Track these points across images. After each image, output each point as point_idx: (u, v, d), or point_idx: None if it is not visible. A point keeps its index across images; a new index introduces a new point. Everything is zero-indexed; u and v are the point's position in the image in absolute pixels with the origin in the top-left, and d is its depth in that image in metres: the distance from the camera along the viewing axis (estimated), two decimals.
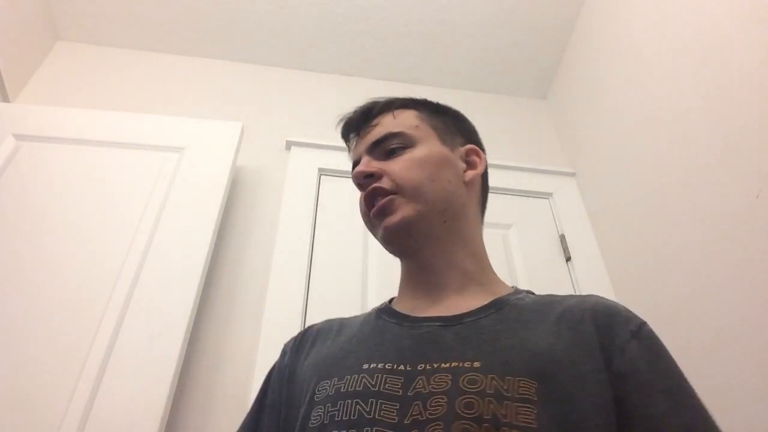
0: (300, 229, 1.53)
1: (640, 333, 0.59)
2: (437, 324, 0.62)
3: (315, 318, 1.37)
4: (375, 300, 1.42)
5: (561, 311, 0.61)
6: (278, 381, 0.71)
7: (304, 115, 1.89)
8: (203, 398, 1.25)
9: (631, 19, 1.62)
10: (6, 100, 1.65)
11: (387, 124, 0.73)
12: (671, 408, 0.54)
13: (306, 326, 0.80)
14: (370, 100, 0.78)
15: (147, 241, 1.31)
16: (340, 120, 0.79)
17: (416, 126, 0.73)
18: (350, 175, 0.76)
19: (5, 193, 1.36)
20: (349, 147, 0.80)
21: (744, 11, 1.18)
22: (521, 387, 0.51)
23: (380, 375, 0.57)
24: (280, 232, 1.51)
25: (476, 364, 0.54)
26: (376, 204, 0.68)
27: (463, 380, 0.52)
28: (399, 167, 0.69)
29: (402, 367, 0.57)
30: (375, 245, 1.55)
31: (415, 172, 0.68)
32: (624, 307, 0.63)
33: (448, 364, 0.55)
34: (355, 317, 0.75)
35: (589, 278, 1.57)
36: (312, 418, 0.57)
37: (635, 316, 0.62)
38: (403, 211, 0.66)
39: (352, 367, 0.60)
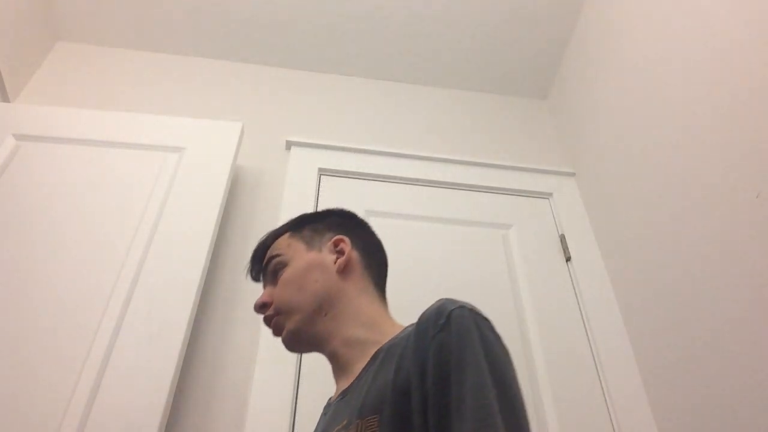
0: None
1: (447, 323, 0.59)
2: (339, 399, 0.73)
3: None
4: None
5: (407, 336, 0.65)
6: None
7: (304, 115, 1.89)
8: (203, 398, 1.25)
9: (631, 19, 1.62)
10: (6, 100, 1.65)
11: (272, 252, 0.86)
12: (452, 405, 0.53)
13: None
14: (257, 245, 0.91)
15: (147, 241, 1.31)
16: (246, 270, 0.92)
17: (288, 244, 0.85)
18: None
19: (5, 193, 1.36)
20: (259, 281, 0.91)
21: (744, 11, 1.18)
22: (368, 424, 0.57)
23: None
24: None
25: (344, 422, 0.63)
26: (271, 325, 0.81)
27: None
28: (278, 291, 0.81)
29: None
30: None
31: (285, 291, 0.80)
32: (442, 303, 0.64)
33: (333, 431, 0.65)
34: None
35: (589, 278, 1.57)
36: None
37: (448, 307, 0.62)
38: (288, 326, 0.79)
39: None
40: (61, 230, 1.31)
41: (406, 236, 1.58)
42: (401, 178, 1.72)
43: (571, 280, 1.58)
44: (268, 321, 0.82)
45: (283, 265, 0.83)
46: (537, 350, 1.41)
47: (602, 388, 1.38)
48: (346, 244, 0.85)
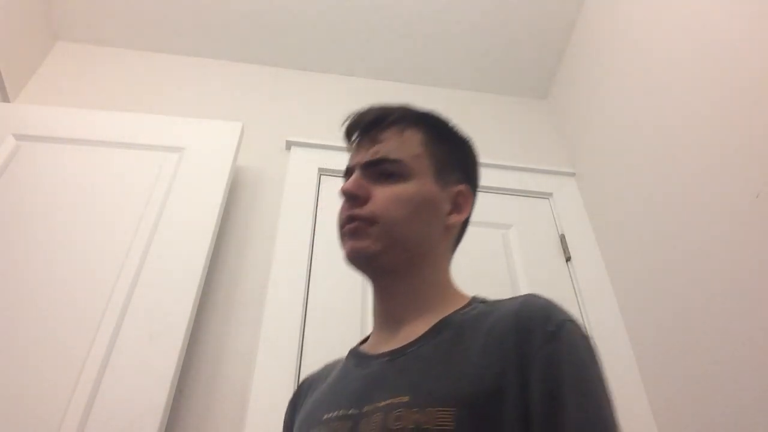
0: (300, 229, 1.53)
1: (558, 334, 0.56)
2: (385, 359, 0.64)
3: (315, 317, 1.38)
4: None
5: (492, 323, 0.60)
6: None
7: (304, 115, 1.89)
8: (203, 398, 1.25)
9: (631, 19, 1.62)
10: (6, 100, 1.65)
11: (390, 144, 0.72)
12: (574, 423, 0.50)
13: (301, 379, 0.85)
14: (381, 107, 0.75)
15: (147, 241, 1.31)
16: (348, 118, 0.76)
17: (417, 155, 0.71)
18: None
19: (5, 193, 1.36)
20: (348, 145, 0.78)
21: (746, 11, 1.18)
22: (439, 417, 0.51)
23: (334, 423, 0.60)
24: (280, 232, 1.51)
25: (405, 399, 0.55)
26: (350, 224, 0.69)
27: (391, 418, 0.54)
28: (383, 198, 0.68)
29: (351, 411, 0.59)
30: None
31: (396, 209, 0.68)
32: (548, 305, 0.60)
33: (384, 402, 0.56)
34: (342, 359, 0.78)
35: (589, 278, 1.57)
36: None
37: (557, 315, 0.59)
38: (371, 242, 0.67)
39: (317, 418, 0.63)
40: (61, 230, 1.31)
41: None
42: None
43: (571, 280, 1.58)
44: (349, 218, 0.69)
45: (403, 176, 0.70)
46: None
47: None
48: (468, 206, 0.76)
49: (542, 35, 1.98)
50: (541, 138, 2.01)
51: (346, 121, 0.75)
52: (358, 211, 0.68)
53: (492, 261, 1.58)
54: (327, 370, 0.77)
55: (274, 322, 1.35)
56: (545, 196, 1.78)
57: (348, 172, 0.75)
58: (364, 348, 0.72)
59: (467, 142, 0.81)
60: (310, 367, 1.31)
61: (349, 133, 0.76)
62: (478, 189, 0.80)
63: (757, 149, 1.10)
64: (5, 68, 1.64)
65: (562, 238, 1.67)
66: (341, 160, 1.71)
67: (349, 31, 1.96)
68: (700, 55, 1.30)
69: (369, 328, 1.43)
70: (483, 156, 1.99)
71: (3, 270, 1.24)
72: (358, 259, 0.69)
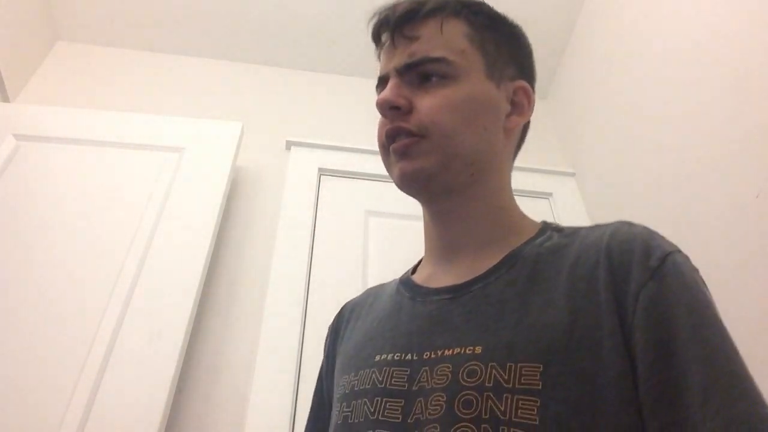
0: (300, 229, 1.53)
1: (662, 269, 0.47)
2: (447, 297, 0.56)
3: (314, 317, 1.38)
4: None
5: (575, 257, 0.52)
6: (325, 370, 0.71)
7: (304, 115, 1.89)
8: (203, 398, 1.25)
9: (631, 19, 1.62)
10: (6, 100, 1.65)
11: (429, 41, 0.60)
12: (695, 373, 0.41)
13: (343, 304, 0.75)
14: None
15: (147, 241, 1.31)
16: (374, 15, 0.65)
17: (463, 50, 0.60)
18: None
19: (5, 193, 1.36)
20: (378, 48, 0.67)
21: (746, 11, 1.18)
22: (523, 375, 0.44)
23: (388, 368, 0.53)
24: (280, 232, 1.51)
25: (477, 350, 0.47)
26: (398, 141, 0.58)
27: (463, 372, 0.46)
28: (431, 105, 0.57)
29: (409, 356, 0.52)
30: (375, 245, 1.56)
31: (448, 116, 0.57)
32: (646, 234, 0.53)
33: (450, 351, 0.49)
34: (390, 284, 0.69)
35: None
36: (334, 416, 0.56)
37: (659, 246, 0.50)
38: (425, 160, 0.57)
39: (367, 359, 0.56)
40: (61, 230, 1.31)
41: (406, 236, 1.57)
42: None
43: None
44: (394, 133, 0.59)
45: (450, 76, 0.59)
46: None
47: None
48: (530, 104, 0.66)
49: (542, 35, 1.98)
50: (541, 138, 2.01)
51: (372, 18, 0.65)
52: (403, 124, 0.58)
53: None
54: (371, 295, 0.70)
55: (274, 322, 1.35)
56: (545, 196, 1.78)
57: (382, 82, 0.63)
58: (419, 279, 0.63)
59: (519, 30, 0.71)
60: (311, 367, 1.31)
61: (377, 34, 0.65)
62: (535, 86, 0.69)
63: (757, 149, 1.10)
64: (5, 68, 1.64)
65: None
66: (341, 160, 1.73)
67: (349, 31, 1.96)
68: (700, 54, 1.30)
69: None
70: None
71: (3, 270, 1.24)
72: (414, 182, 0.59)
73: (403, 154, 0.58)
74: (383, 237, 1.58)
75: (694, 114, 1.30)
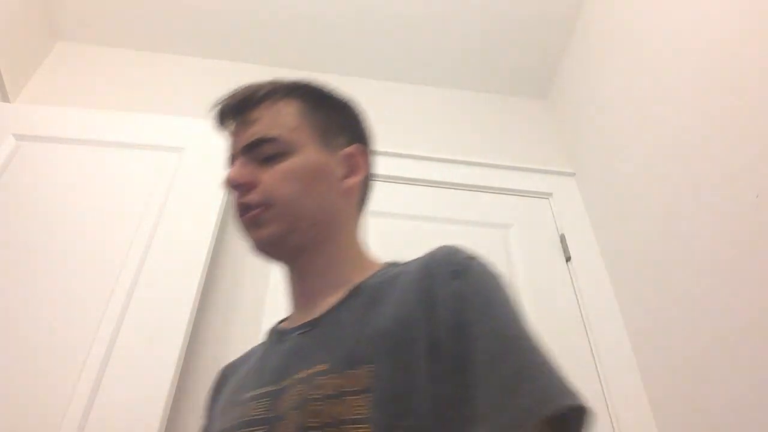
0: None
1: (464, 272, 0.56)
2: (302, 332, 0.63)
3: None
4: None
5: (403, 278, 0.60)
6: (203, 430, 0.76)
7: None
8: (203, 398, 1.24)
9: (631, 19, 1.62)
10: (6, 100, 1.65)
11: (265, 123, 0.68)
12: (489, 355, 0.49)
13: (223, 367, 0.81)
14: (249, 86, 0.71)
15: (147, 241, 1.31)
16: (215, 104, 0.72)
17: (296, 128, 0.68)
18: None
19: (5, 193, 1.36)
20: (224, 132, 0.74)
21: (746, 11, 1.18)
22: (359, 377, 0.50)
23: (254, 402, 0.58)
24: None
25: (323, 367, 0.54)
26: (247, 214, 0.66)
27: (312, 388, 0.52)
28: (272, 179, 0.65)
29: (270, 387, 0.58)
30: (375, 245, 1.56)
31: (288, 187, 0.65)
32: (453, 249, 0.60)
33: (303, 374, 0.55)
34: (262, 342, 0.76)
35: (589, 278, 1.57)
36: None
37: (463, 254, 0.59)
38: (273, 227, 0.65)
39: (238, 400, 0.62)
40: (61, 230, 1.31)
41: (406, 236, 1.58)
42: (401, 178, 1.72)
43: (571, 280, 1.58)
44: (244, 208, 0.66)
45: (287, 153, 0.67)
46: None
47: (602, 388, 1.38)
48: (365, 164, 0.73)
49: (542, 35, 1.98)
50: (541, 138, 2.01)
51: (215, 106, 0.72)
52: (249, 199, 0.65)
53: (492, 261, 1.58)
54: (248, 355, 0.76)
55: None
56: (545, 196, 1.78)
57: (231, 160, 0.71)
58: (283, 325, 0.70)
59: (347, 102, 0.78)
60: None
61: (222, 120, 0.72)
62: (372, 147, 0.78)
63: (757, 149, 1.10)
64: (5, 68, 1.64)
65: (562, 238, 1.67)
66: None
67: (349, 31, 1.96)
68: (700, 54, 1.30)
69: None
70: (483, 156, 1.99)
71: (3, 270, 1.24)
72: (268, 247, 0.67)
73: (254, 224, 0.66)
74: (383, 237, 1.58)
75: (694, 113, 1.30)
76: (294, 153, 0.67)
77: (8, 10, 1.67)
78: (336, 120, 0.74)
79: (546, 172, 1.83)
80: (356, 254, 0.71)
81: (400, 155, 1.77)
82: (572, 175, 1.85)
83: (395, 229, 1.59)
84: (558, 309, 1.51)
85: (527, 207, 1.74)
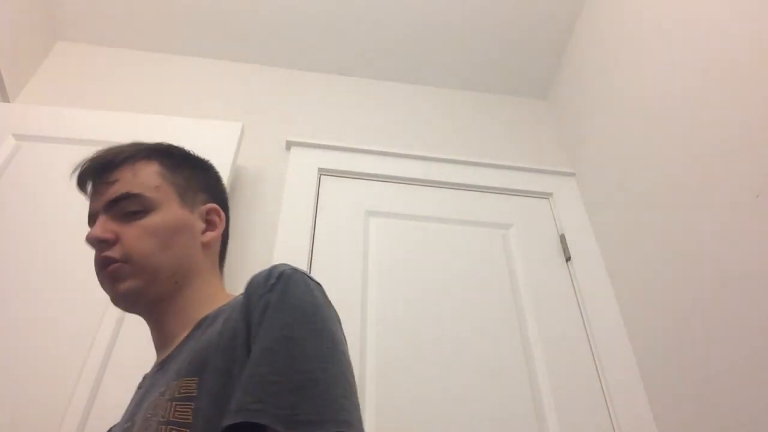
0: (300, 229, 1.53)
1: (276, 284, 0.59)
2: (154, 371, 0.68)
3: None
4: (375, 300, 1.42)
5: (237, 300, 0.63)
6: None
7: (304, 115, 1.89)
8: None
9: (631, 19, 1.62)
10: (6, 100, 1.65)
11: (127, 182, 0.72)
12: (255, 357, 0.53)
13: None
14: (110, 149, 0.75)
15: None
16: (77, 167, 0.75)
17: (157, 186, 0.73)
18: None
19: (5, 193, 1.36)
20: (85, 193, 0.77)
21: (743, 11, 1.18)
22: (183, 387, 0.54)
23: None
24: (280, 232, 1.51)
25: (161, 389, 0.58)
26: (105, 269, 0.69)
27: (148, 411, 0.57)
28: (132, 236, 0.69)
29: (125, 426, 0.63)
30: (375, 245, 1.56)
31: (147, 243, 0.69)
32: (272, 267, 0.63)
33: (147, 403, 0.59)
34: None
35: (589, 278, 1.57)
36: None
37: (278, 269, 0.61)
38: (131, 282, 0.68)
39: None
40: (62, 230, 1.31)
41: (406, 236, 1.58)
42: (401, 178, 1.72)
43: (571, 280, 1.58)
44: (105, 263, 0.69)
45: (148, 209, 0.71)
46: (537, 350, 1.41)
47: (602, 387, 1.38)
48: (221, 221, 0.79)
49: (542, 35, 1.99)
50: (541, 138, 2.01)
51: (75, 170, 0.74)
52: (110, 254, 0.68)
53: (492, 261, 1.58)
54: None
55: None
56: (545, 196, 1.78)
57: (91, 219, 0.74)
58: (147, 374, 0.75)
59: (205, 164, 0.84)
60: None
61: (82, 181, 0.75)
62: (226, 205, 0.84)
63: (757, 149, 1.10)
64: (5, 68, 1.64)
65: (562, 238, 1.67)
66: (341, 160, 1.73)
67: (349, 31, 1.96)
68: (700, 55, 1.30)
69: (370, 325, 1.44)
70: (483, 156, 2.00)
71: (3, 270, 1.24)
72: (126, 300, 0.70)
73: (113, 278, 0.69)
74: (383, 237, 1.58)
75: (694, 114, 1.30)
76: (155, 210, 0.71)
77: (8, 10, 1.67)
78: (196, 180, 0.79)
79: (546, 172, 1.83)
80: (211, 296, 0.74)
81: (400, 155, 1.77)
82: (572, 175, 1.85)
83: (395, 229, 1.59)
84: (558, 309, 1.51)
85: (527, 207, 1.74)
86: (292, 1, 1.89)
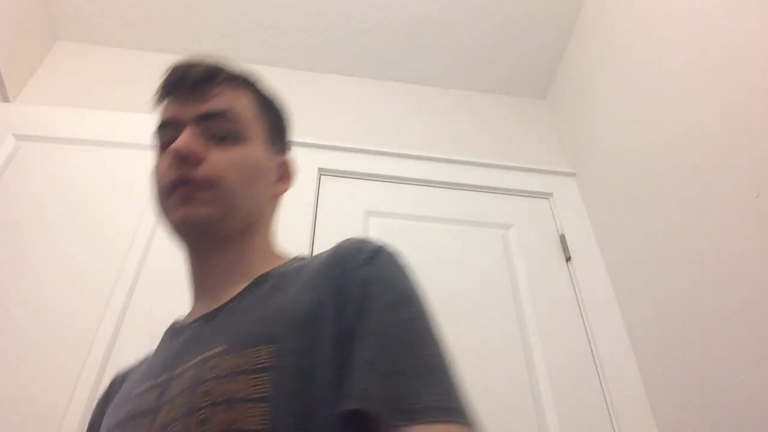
0: (300, 229, 1.53)
1: (373, 258, 0.55)
2: (200, 323, 0.60)
3: None
4: None
5: (315, 265, 0.59)
6: None
7: (304, 115, 1.88)
8: None
9: (631, 19, 1.62)
10: (6, 100, 1.65)
11: (227, 100, 0.66)
12: (374, 343, 0.49)
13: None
14: (208, 60, 0.69)
15: (147, 241, 1.31)
16: (170, 69, 0.67)
17: (252, 117, 0.68)
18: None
19: (5, 193, 1.36)
20: (163, 95, 0.68)
21: (745, 11, 1.18)
22: (258, 356, 0.48)
23: (141, 396, 0.55)
24: (279, 232, 1.51)
25: (219, 349, 0.51)
26: (182, 187, 0.60)
27: (204, 370, 0.50)
28: (223, 161, 0.62)
29: (161, 378, 0.55)
30: None
31: (235, 173, 0.63)
32: (362, 239, 0.60)
33: (196, 359, 0.52)
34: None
35: (589, 278, 1.57)
36: None
37: (371, 243, 0.58)
38: (206, 210, 0.61)
39: (128, 398, 0.58)
40: (61, 230, 1.31)
41: (406, 236, 1.58)
42: (401, 178, 1.72)
43: (571, 280, 1.58)
44: (181, 181, 0.60)
45: (241, 139, 0.65)
46: (537, 350, 1.41)
47: (602, 388, 1.38)
48: (291, 177, 0.75)
49: (542, 35, 1.99)
50: (541, 138, 2.01)
51: (167, 72, 0.67)
52: (192, 173, 0.60)
53: (492, 261, 1.58)
54: (143, 359, 0.71)
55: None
56: (545, 196, 1.78)
57: (166, 126, 0.65)
58: (180, 322, 0.67)
59: (287, 113, 0.78)
60: None
61: (172, 85, 0.67)
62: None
63: (757, 149, 1.10)
64: (5, 68, 1.64)
65: (562, 238, 1.67)
66: (341, 160, 1.73)
67: (350, 31, 1.96)
68: (700, 55, 1.30)
69: None
70: (483, 156, 1.99)
71: (3, 270, 1.24)
72: (194, 228, 0.62)
73: (186, 201, 0.60)
74: (383, 237, 1.57)
75: (694, 114, 1.30)
76: (245, 142, 0.65)
77: (8, 10, 1.67)
78: (281, 125, 0.75)
79: (546, 172, 1.83)
80: (268, 251, 0.71)
81: (400, 155, 1.77)
82: (572, 175, 1.85)
83: (395, 229, 1.59)
84: (558, 309, 1.51)
85: (527, 207, 1.74)
86: (291, 2, 1.89)
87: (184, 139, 0.61)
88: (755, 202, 1.08)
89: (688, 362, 1.22)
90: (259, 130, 0.68)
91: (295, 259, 0.69)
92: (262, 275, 0.63)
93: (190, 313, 0.67)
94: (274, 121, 0.72)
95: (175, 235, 0.65)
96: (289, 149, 0.77)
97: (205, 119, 0.64)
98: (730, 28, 1.21)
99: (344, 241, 0.60)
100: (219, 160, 0.62)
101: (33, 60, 1.81)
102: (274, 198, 0.73)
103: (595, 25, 1.83)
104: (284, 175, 0.74)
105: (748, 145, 1.12)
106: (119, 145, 1.49)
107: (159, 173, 0.64)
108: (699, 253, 1.23)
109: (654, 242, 1.39)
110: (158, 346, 0.67)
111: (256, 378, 0.46)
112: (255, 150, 0.67)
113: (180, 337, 0.61)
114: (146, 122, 1.56)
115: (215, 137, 0.63)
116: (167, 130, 0.65)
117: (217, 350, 0.51)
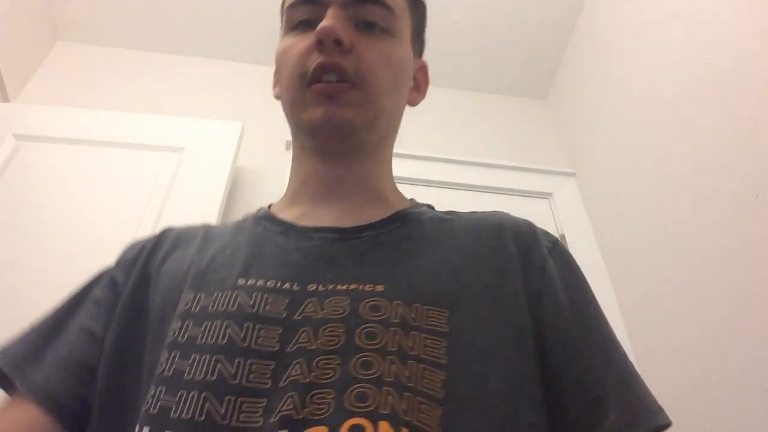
0: None
1: (556, 250, 0.54)
2: (331, 236, 0.52)
3: None
4: None
5: (470, 228, 0.54)
6: (123, 277, 0.61)
7: None
8: None
9: (631, 19, 1.62)
10: (6, 100, 1.65)
11: None
12: (584, 334, 0.50)
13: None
14: None
15: None
16: None
17: (403, 9, 0.58)
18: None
19: (5, 193, 1.36)
20: None
21: (745, 10, 1.18)
22: (430, 317, 0.44)
23: (260, 294, 0.46)
24: None
25: (379, 288, 0.46)
26: (327, 81, 0.52)
27: (365, 306, 0.44)
28: (373, 55, 0.53)
29: (288, 285, 0.47)
30: None
31: (386, 72, 0.54)
32: (532, 223, 0.58)
33: (345, 286, 0.46)
34: (224, 225, 0.63)
35: (589, 278, 1.57)
36: (168, 334, 0.47)
37: (548, 232, 0.58)
38: (355, 113, 0.53)
39: (224, 281, 0.49)
40: (61, 230, 1.31)
41: None
42: (401, 178, 1.70)
43: None
44: (329, 67, 0.51)
45: (390, 32, 0.56)
46: None
47: None
48: (427, 85, 0.66)
49: (542, 35, 1.98)
50: (541, 138, 2.01)
51: None
52: (342, 64, 0.52)
53: None
54: (199, 230, 0.60)
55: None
56: (545, 196, 1.78)
57: (304, 4, 0.56)
58: (285, 217, 0.58)
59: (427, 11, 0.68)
60: None
61: None
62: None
63: (757, 149, 1.10)
64: (5, 68, 1.64)
65: (562, 238, 1.67)
66: None
67: None
68: (700, 55, 1.30)
69: None
70: (483, 156, 1.99)
71: (3, 270, 1.24)
72: (335, 132, 0.54)
73: (332, 98, 0.52)
74: None
75: (694, 113, 1.30)
76: (397, 37, 0.56)
77: (8, 10, 1.67)
78: (421, 25, 0.64)
79: (546, 172, 1.83)
80: (390, 173, 0.64)
81: (400, 155, 1.75)
82: (572, 175, 1.85)
83: None
84: None
85: (527, 207, 1.74)
86: None
87: (332, 20, 0.51)
88: (755, 202, 1.08)
89: (688, 360, 1.22)
90: (407, 25, 0.59)
91: (417, 203, 0.63)
92: (400, 213, 0.56)
93: (296, 211, 0.59)
94: (419, 21, 0.63)
95: (306, 134, 0.57)
96: (422, 47, 0.66)
97: (354, 3, 0.54)
98: (731, 27, 1.21)
99: (514, 218, 0.57)
100: (371, 54, 0.53)
101: (33, 60, 1.81)
102: (406, 105, 0.63)
103: (595, 26, 1.83)
104: (419, 83, 0.65)
105: (748, 145, 1.12)
106: (119, 145, 1.49)
107: (292, 57, 0.56)
108: (699, 253, 1.23)
109: (653, 242, 1.39)
110: (256, 232, 0.56)
111: (429, 339, 0.43)
112: (404, 47, 0.58)
113: (302, 242, 0.52)
114: (146, 122, 1.57)
115: (363, 24, 0.54)
116: (303, 8, 0.56)
117: (374, 289, 0.46)
